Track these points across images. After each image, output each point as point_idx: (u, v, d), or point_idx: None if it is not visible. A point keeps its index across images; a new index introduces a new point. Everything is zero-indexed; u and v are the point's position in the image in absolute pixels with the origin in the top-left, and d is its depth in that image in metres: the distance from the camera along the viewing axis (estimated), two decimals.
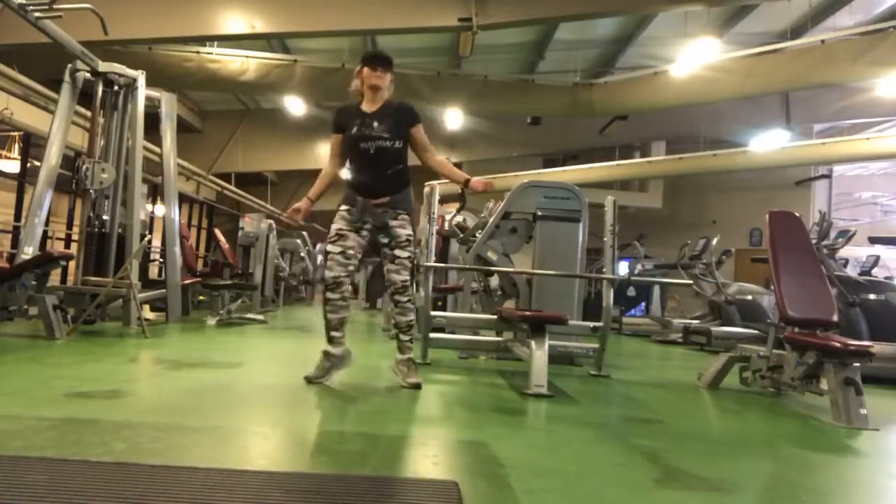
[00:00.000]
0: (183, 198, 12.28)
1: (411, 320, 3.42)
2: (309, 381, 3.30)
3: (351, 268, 3.32)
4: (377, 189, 3.33)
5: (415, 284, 3.51)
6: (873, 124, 13.53)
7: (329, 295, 3.32)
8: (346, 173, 3.54)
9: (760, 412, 3.60)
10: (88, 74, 5.96)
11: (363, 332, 7.48)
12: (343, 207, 3.39)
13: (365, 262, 3.07)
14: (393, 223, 3.35)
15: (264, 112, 14.79)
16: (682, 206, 16.17)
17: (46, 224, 6.54)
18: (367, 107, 3.37)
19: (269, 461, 2.00)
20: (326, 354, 3.35)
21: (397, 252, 3.35)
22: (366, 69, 3.34)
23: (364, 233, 3.37)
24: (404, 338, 3.44)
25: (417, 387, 3.31)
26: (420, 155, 3.45)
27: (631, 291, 11.14)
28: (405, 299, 3.37)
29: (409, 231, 3.39)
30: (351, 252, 3.32)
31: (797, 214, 4.20)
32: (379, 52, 3.52)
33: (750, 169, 13.23)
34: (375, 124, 3.30)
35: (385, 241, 3.37)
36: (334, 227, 3.36)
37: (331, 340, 3.36)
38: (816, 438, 2.96)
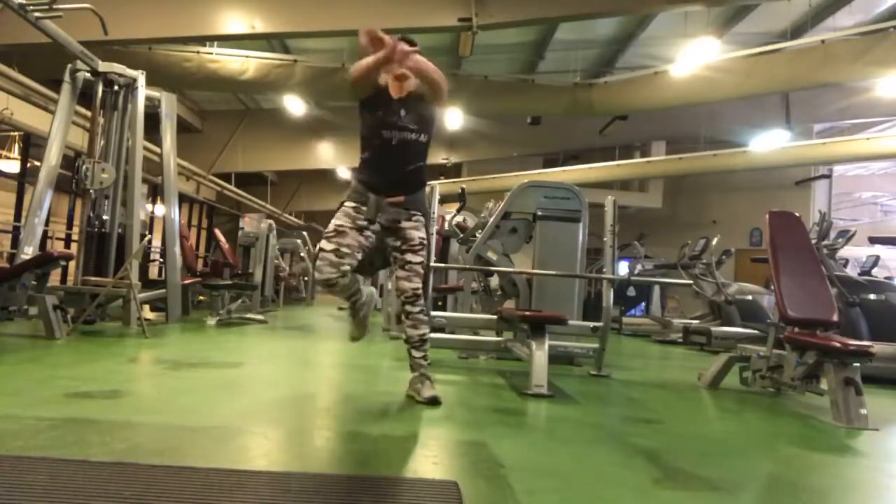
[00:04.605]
0: (183, 198, 12.30)
1: (424, 334, 3.06)
2: (354, 339, 3.25)
3: (345, 267, 2.91)
4: (393, 185, 3.01)
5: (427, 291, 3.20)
6: (873, 124, 13.52)
7: (329, 291, 3.03)
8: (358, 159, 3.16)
9: (760, 412, 3.60)
10: (88, 74, 5.96)
11: None
12: (349, 204, 3.02)
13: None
14: (406, 224, 3.04)
15: (264, 112, 14.79)
16: (682, 206, 16.17)
17: (46, 224, 6.55)
18: (394, 92, 3.03)
19: (269, 461, 1.99)
20: (354, 308, 3.16)
21: (409, 257, 3.03)
22: None
23: (368, 233, 3.00)
24: (416, 354, 3.05)
25: (435, 401, 2.95)
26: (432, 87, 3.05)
27: (631, 291, 11.15)
28: (417, 310, 3.03)
29: (422, 234, 3.08)
30: (346, 251, 2.92)
31: (797, 214, 4.20)
32: (404, 35, 3.10)
33: (750, 169, 13.23)
34: (403, 112, 2.98)
35: (396, 244, 3.05)
36: (334, 222, 2.99)
37: (354, 304, 3.15)
38: (816, 438, 2.96)
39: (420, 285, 3.05)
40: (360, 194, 3.03)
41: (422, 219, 3.11)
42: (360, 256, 3.00)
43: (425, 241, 3.10)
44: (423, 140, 3.05)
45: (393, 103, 3.01)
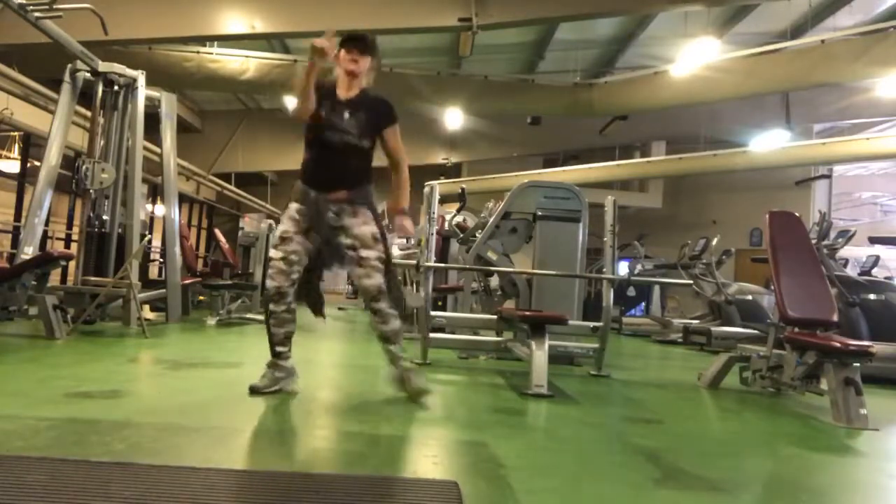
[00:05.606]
0: (183, 198, 12.29)
1: (396, 328, 2.99)
2: (256, 391, 2.92)
3: (294, 276, 2.93)
4: (333, 182, 2.93)
5: (392, 283, 3.00)
6: (873, 124, 13.53)
7: (272, 308, 2.94)
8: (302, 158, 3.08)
9: (760, 412, 3.60)
10: (88, 74, 5.96)
11: (363, 333, 7.48)
12: (292, 206, 2.99)
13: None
14: (353, 221, 2.93)
15: (264, 112, 14.80)
16: (682, 206, 16.17)
17: (46, 224, 6.54)
18: (341, 91, 2.96)
19: (269, 461, 1.99)
20: (275, 366, 3.01)
21: (363, 253, 2.90)
22: (342, 52, 2.94)
23: (313, 235, 2.96)
24: (393, 348, 3.01)
25: (422, 393, 2.98)
26: (390, 159, 3.06)
27: (631, 291, 11.14)
28: (383, 306, 2.93)
29: (373, 228, 2.95)
30: (294, 258, 2.92)
31: (797, 214, 4.20)
32: (357, 33, 3.02)
33: (750, 169, 13.24)
34: (346, 115, 2.90)
35: (347, 242, 2.93)
36: (280, 227, 2.98)
37: (277, 356, 3.01)
38: (816, 438, 2.96)
39: (381, 281, 2.92)
40: (304, 193, 2.98)
41: (369, 213, 2.98)
42: (304, 262, 2.98)
43: (378, 236, 2.96)
44: (366, 146, 2.96)
45: (338, 104, 2.93)
